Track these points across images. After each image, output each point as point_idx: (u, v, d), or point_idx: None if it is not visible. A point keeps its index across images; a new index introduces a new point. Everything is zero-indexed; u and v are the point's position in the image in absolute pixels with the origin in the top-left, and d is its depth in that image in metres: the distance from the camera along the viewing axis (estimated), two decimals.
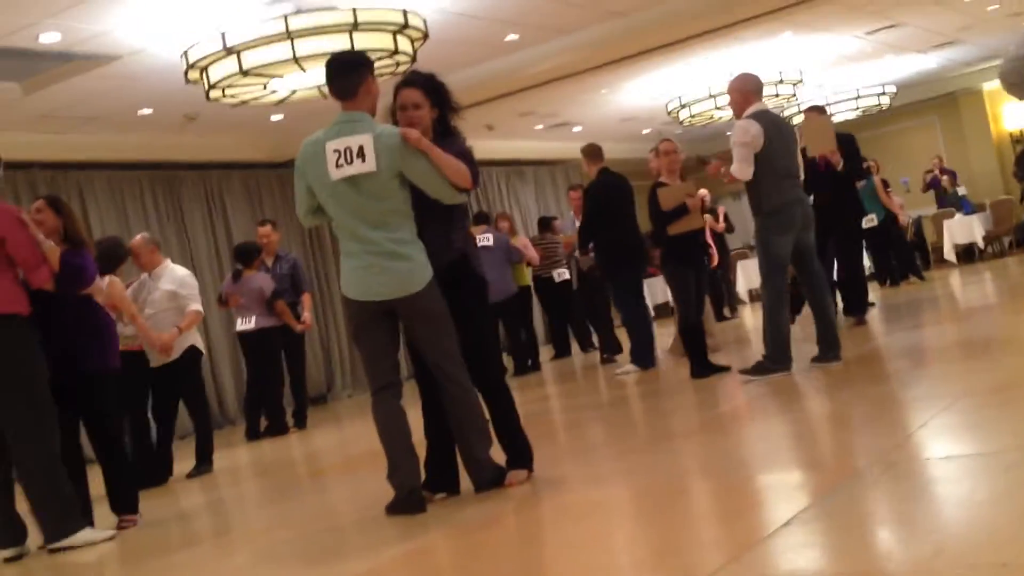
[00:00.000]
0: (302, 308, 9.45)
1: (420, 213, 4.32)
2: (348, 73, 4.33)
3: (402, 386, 4.42)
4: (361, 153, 4.15)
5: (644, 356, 8.61)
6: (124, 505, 5.44)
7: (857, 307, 8.90)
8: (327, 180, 4.22)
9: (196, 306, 7.37)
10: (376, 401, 4.36)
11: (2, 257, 4.96)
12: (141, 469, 6.62)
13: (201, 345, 7.56)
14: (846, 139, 8.71)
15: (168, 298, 7.29)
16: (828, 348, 6.53)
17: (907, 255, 13.63)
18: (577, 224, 9.85)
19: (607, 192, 8.73)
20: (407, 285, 4.21)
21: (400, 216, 4.24)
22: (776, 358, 6.42)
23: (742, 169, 6.31)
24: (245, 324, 9.13)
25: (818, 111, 8.97)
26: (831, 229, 8.66)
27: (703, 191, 8.19)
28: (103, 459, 5.48)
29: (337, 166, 4.18)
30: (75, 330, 5.27)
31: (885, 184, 13.22)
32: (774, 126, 6.43)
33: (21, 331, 4.95)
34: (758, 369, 6.47)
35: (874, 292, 10.93)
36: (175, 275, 7.42)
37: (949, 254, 15.70)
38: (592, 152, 8.97)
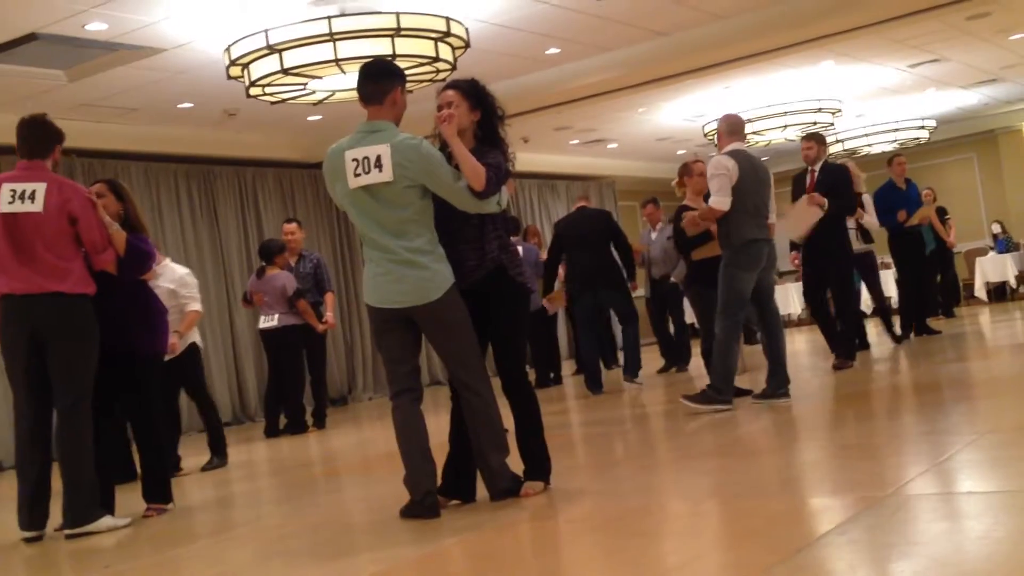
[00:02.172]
0: (325, 308, 9.47)
1: (454, 224, 4.33)
2: (379, 79, 4.35)
3: (422, 391, 4.43)
4: (379, 163, 4.17)
5: (595, 383, 9.26)
6: (155, 493, 5.47)
7: (846, 350, 8.38)
8: (346, 189, 4.25)
9: (196, 306, 7.33)
10: (395, 406, 4.37)
11: (74, 238, 5.03)
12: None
13: (199, 341, 7.55)
14: (838, 171, 8.56)
15: (167, 296, 7.21)
16: (777, 385, 6.63)
17: (945, 289, 13.42)
18: (653, 236, 10.95)
19: (568, 226, 9.52)
20: (424, 294, 4.22)
21: (418, 225, 4.25)
22: (722, 389, 6.54)
23: (721, 201, 6.49)
24: (268, 321, 9.16)
25: (817, 140, 8.72)
26: (825, 268, 8.45)
27: None
28: (142, 444, 5.52)
29: (355, 175, 4.21)
30: (129, 313, 5.33)
31: (942, 212, 13.08)
32: (749, 164, 6.63)
33: (90, 311, 5.04)
34: (703, 398, 6.58)
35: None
36: (175, 274, 7.33)
37: (980, 291, 15.56)
38: (580, 195, 10.09)
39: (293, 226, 9.73)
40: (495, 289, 4.39)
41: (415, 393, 4.38)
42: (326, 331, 9.46)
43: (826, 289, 8.62)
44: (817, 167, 8.58)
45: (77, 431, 4.97)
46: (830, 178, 8.43)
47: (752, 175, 6.58)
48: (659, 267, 10.81)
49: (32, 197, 4.95)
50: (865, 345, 9.54)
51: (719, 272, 6.69)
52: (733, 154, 6.60)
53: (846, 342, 8.41)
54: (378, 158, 4.18)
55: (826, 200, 8.14)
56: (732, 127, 6.79)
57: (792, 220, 8.20)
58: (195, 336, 7.44)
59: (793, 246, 8.91)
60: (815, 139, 8.77)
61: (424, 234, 4.26)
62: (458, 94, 4.41)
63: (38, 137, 5.14)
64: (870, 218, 9.69)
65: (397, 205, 4.21)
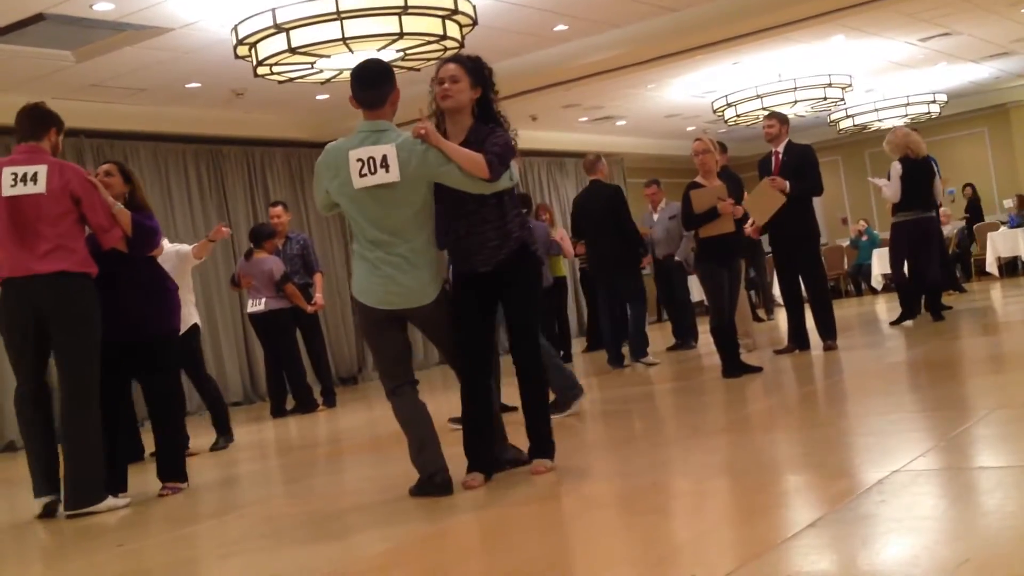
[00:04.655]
0: (314, 289, 9.51)
1: (472, 206, 4.32)
2: (381, 84, 4.31)
3: (416, 380, 4.48)
4: (385, 163, 4.17)
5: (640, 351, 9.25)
6: (171, 472, 5.49)
7: (828, 331, 8.20)
8: (348, 189, 4.23)
9: (185, 247, 7.37)
10: (396, 396, 4.41)
11: (77, 218, 5.07)
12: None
13: (200, 324, 7.51)
14: (804, 152, 8.29)
15: (171, 274, 7.23)
16: (564, 403, 6.41)
17: (947, 266, 13.39)
18: (655, 217, 10.94)
19: (585, 202, 9.42)
20: (418, 297, 4.26)
21: (416, 226, 4.26)
22: (566, 391, 6.40)
23: None
24: (256, 306, 9.20)
25: (780, 119, 8.37)
26: (794, 253, 8.20)
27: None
28: (162, 424, 5.55)
29: (360, 175, 4.19)
30: (145, 292, 5.38)
31: None
32: None
33: (93, 291, 5.08)
34: (557, 408, 6.24)
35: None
36: (173, 250, 7.29)
37: (991, 266, 15.51)
38: (586, 164, 9.59)
39: (279, 209, 9.77)
40: (516, 267, 4.39)
41: (413, 384, 4.44)
42: (315, 311, 9.50)
43: (798, 274, 8.30)
44: (781, 147, 8.30)
45: (80, 414, 5.01)
46: (796, 159, 8.19)
47: None
48: (662, 247, 10.82)
49: (35, 179, 4.99)
50: (912, 316, 9.46)
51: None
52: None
53: (828, 323, 8.21)
54: (384, 158, 4.17)
55: (788, 184, 7.91)
56: None
57: (752, 203, 7.89)
58: (195, 317, 7.39)
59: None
60: (777, 117, 8.46)
61: (422, 234, 4.28)
62: (461, 69, 4.35)
63: (34, 121, 5.18)
64: (887, 190, 9.57)
65: (401, 204, 4.21)
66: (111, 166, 5.51)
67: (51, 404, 5.19)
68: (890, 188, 9.42)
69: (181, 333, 7.13)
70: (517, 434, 4.63)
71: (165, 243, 7.45)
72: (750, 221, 7.82)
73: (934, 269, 9.70)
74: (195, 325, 7.37)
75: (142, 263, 5.38)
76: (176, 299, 5.69)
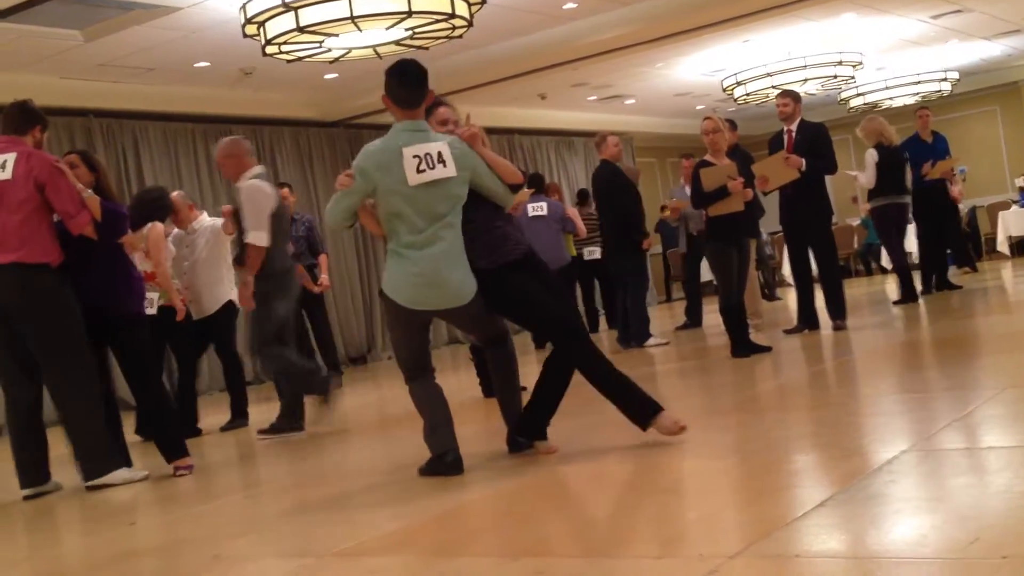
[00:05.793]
0: (319, 270, 9.53)
1: (494, 206, 4.48)
2: (423, 85, 4.38)
3: (434, 370, 4.57)
4: (441, 159, 4.26)
5: (642, 335, 9.19)
6: (174, 450, 5.49)
7: (838, 311, 8.12)
8: (402, 186, 4.24)
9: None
10: (416, 380, 4.48)
11: (41, 205, 5.08)
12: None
13: (237, 301, 7.47)
14: (817, 129, 8.21)
15: (207, 248, 7.28)
16: (291, 419, 6.44)
17: (961, 244, 13.33)
18: (687, 191, 10.54)
19: (592, 181, 9.55)
20: (458, 298, 4.32)
21: (456, 223, 4.35)
22: (292, 417, 6.42)
23: (262, 236, 6.16)
24: None
25: (794, 97, 8.30)
26: (805, 230, 8.14)
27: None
28: (146, 404, 5.58)
29: (418, 171, 4.24)
30: (111, 275, 5.38)
31: None
32: (275, 188, 6.43)
33: (52, 279, 5.08)
34: (273, 429, 6.42)
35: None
36: (213, 225, 7.37)
37: (1002, 246, 15.45)
38: (596, 143, 9.54)
39: (285, 191, 9.74)
40: (536, 260, 4.57)
41: (432, 371, 4.54)
42: (322, 293, 9.51)
43: (808, 251, 8.24)
44: (794, 126, 8.21)
45: (69, 391, 5.09)
46: (809, 137, 8.11)
47: (280, 199, 6.39)
48: (696, 221, 10.31)
49: (3, 167, 5.05)
50: (913, 297, 9.56)
51: (257, 304, 6.30)
52: (266, 178, 6.37)
53: (838, 302, 8.14)
54: (439, 154, 4.26)
55: (804, 161, 7.83)
56: (243, 151, 6.37)
57: (763, 168, 7.78)
58: (233, 294, 7.35)
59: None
60: (791, 96, 8.39)
61: (457, 231, 4.36)
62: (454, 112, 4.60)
63: (23, 117, 5.23)
64: (862, 177, 9.69)
65: (450, 200, 4.31)
66: (74, 157, 5.47)
67: (40, 395, 5.27)
68: (866, 175, 9.64)
69: (216, 309, 7.21)
70: (494, 416, 4.64)
71: (204, 216, 7.52)
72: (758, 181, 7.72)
73: (902, 253, 9.86)
74: (232, 302, 7.33)
75: (105, 249, 5.35)
76: (140, 285, 5.66)
